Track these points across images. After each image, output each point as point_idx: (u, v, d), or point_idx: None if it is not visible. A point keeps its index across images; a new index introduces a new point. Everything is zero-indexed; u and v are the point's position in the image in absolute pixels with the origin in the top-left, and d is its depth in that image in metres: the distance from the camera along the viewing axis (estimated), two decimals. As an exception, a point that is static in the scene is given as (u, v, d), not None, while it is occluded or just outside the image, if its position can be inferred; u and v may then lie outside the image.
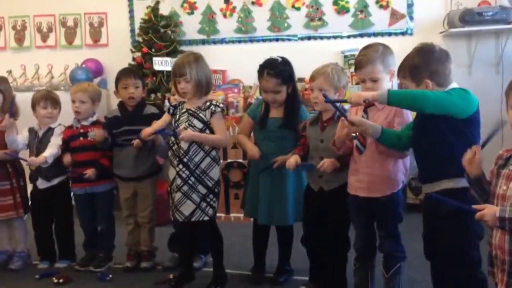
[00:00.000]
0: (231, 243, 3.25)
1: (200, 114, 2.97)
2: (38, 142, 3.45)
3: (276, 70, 2.98)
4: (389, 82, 2.57)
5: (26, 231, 3.60)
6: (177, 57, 3.20)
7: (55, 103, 3.52)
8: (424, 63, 2.23)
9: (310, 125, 2.87)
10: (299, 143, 2.92)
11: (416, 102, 2.12)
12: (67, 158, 3.39)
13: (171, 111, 3.07)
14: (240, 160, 4.38)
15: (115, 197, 3.59)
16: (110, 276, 3.28)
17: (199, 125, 2.97)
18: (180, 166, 2.95)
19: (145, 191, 3.41)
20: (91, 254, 3.48)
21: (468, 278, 2.20)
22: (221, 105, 3.04)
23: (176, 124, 3.00)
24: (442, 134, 2.18)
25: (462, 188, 2.14)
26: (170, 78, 3.52)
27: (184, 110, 3.01)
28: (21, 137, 3.47)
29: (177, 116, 3.03)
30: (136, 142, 3.21)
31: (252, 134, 3.23)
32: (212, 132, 2.98)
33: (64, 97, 3.66)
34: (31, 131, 3.50)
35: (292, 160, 2.79)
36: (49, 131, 3.47)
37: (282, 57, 3.06)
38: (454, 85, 2.24)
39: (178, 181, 2.95)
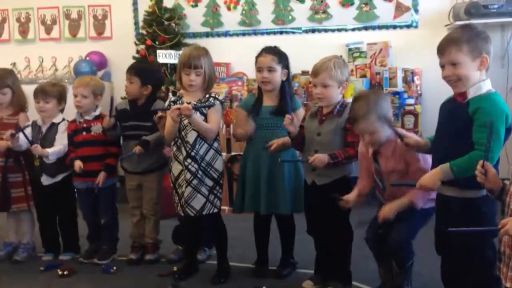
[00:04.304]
0: (234, 236, 3.26)
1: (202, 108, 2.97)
2: (42, 139, 3.43)
3: (274, 49, 3.07)
4: (389, 130, 2.49)
5: (33, 223, 3.62)
6: (187, 49, 3.15)
7: (47, 96, 3.42)
8: (482, 37, 2.16)
9: (309, 117, 2.87)
10: (299, 132, 2.92)
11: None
12: (78, 164, 3.33)
13: (171, 106, 3.02)
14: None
15: (118, 190, 3.60)
16: (114, 268, 3.29)
17: (201, 118, 2.96)
18: (189, 160, 2.95)
19: (150, 184, 3.41)
20: (95, 246, 3.49)
21: (482, 276, 2.18)
22: (220, 98, 3.04)
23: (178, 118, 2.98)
24: (462, 148, 2.13)
25: (464, 198, 2.15)
26: (175, 70, 3.49)
27: (186, 104, 2.99)
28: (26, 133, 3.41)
29: None
30: (138, 149, 3.22)
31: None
32: None
33: (68, 90, 3.61)
34: (34, 125, 3.47)
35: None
36: (53, 127, 3.45)
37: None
38: (489, 84, 2.17)
39: (188, 175, 2.95)
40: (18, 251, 3.55)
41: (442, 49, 2.20)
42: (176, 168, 3.02)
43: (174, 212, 3.23)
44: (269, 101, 3.07)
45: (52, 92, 3.46)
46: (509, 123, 2.11)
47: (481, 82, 2.16)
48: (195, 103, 2.97)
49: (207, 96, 2.99)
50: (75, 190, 3.53)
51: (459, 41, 2.15)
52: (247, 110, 3.13)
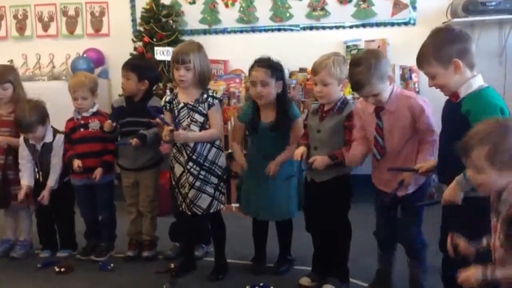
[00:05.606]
0: (232, 233, 3.25)
1: (200, 108, 2.94)
2: (39, 157, 3.42)
3: (266, 62, 2.98)
4: (390, 86, 2.48)
5: (31, 221, 3.62)
6: (179, 45, 3.14)
7: (31, 130, 3.33)
8: (449, 41, 2.12)
9: (311, 114, 2.87)
10: (303, 133, 2.92)
11: None
12: (77, 162, 3.32)
13: (167, 107, 3.02)
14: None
15: (116, 188, 3.60)
16: (112, 265, 3.29)
17: (200, 118, 2.94)
18: (190, 163, 2.95)
19: (146, 181, 3.41)
20: (93, 244, 3.49)
21: None
22: (218, 95, 3.00)
23: (177, 120, 2.96)
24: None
25: (471, 197, 2.11)
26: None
27: (182, 104, 2.96)
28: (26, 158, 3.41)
29: (176, 112, 2.98)
30: (134, 141, 3.21)
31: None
32: None
33: (65, 87, 3.55)
34: (29, 145, 3.42)
35: (299, 151, 2.77)
36: (46, 145, 3.42)
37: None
38: (479, 79, 2.15)
39: (190, 178, 2.95)
40: (16, 248, 3.55)
41: (417, 64, 2.23)
42: (177, 169, 3.02)
43: (171, 209, 3.24)
44: (266, 115, 3.02)
45: (33, 126, 3.33)
46: (506, 115, 2.07)
47: (471, 80, 2.14)
48: (192, 103, 2.94)
49: (205, 96, 2.96)
50: (73, 187, 3.52)
51: (426, 55, 2.17)
52: (245, 121, 3.11)
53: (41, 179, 3.43)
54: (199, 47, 2.98)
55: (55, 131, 3.47)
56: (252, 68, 3.00)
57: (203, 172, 2.96)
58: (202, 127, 2.95)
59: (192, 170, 2.95)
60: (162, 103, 3.06)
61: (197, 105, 2.94)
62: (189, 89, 2.97)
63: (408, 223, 2.54)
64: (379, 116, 2.52)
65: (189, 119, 2.94)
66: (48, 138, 3.43)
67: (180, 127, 2.92)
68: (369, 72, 2.39)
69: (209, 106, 2.94)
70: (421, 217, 2.58)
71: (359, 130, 2.65)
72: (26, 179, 3.41)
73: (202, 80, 2.97)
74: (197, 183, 2.95)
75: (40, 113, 3.38)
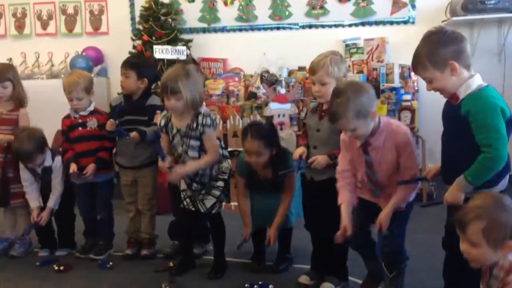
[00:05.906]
0: (231, 232, 3.25)
1: (192, 133, 2.92)
2: (40, 180, 3.43)
3: (260, 132, 2.97)
4: (373, 121, 2.37)
5: (29, 219, 3.60)
6: (167, 72, 2.99)
7: (30, 160, 3.32)
8: (442, 43, 2.09)
9: (310, 113, 2.87)
10: (303, 132, 2.92)
11: (490, 170, 2.01)
12: (73, 167, 3.32)
13: (163, 130, 3.01)
14: (241, 149, 4.35)
15: (115, 186, 3.60)
16: (111, 263, 3.28)
17: (196, 143, 2.93)
18: (195, 185, 3.00)
19: (145, 179, 3.40)
20: (92, 242, 3.49)
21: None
22: (209, 120, 2.90)
23: (172, 145, 2.98)
24: (462, 148, 2.10)
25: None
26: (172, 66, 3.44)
27: (175, 130, 2.95)
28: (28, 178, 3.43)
29: (170, 136, 2.98)
30: (133, 134, 3.20)
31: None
32: None
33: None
34: (29, 168, 3.41)
35: (298, 151, 2.79)
36: (47, 168, 3.42)
37: (267, 122, 3.12)
38: (478, 79, 2.12)
39: (195, 194, 3.02)
40: (15, 246, 3.55)
41: (414, 69, 2.22)
42: (182, 182, 3.06)
43: (170, 207, 3.23)
44: (263, 174, 3.06)
45: (30, 157, 3.33)
46: (507, 115, 2.05)
47: (469, 80, 2.11)
48: (184, 129, 2.91)
49: (195, 124, 2.89)
50: (72, 187, 3.51)
51: (421, 60, 2.14)
52: (244, 176, 3.13)
53: (41, 204, 3.44)
54: (187, 74, 2.88)
55: (54, 153, 3.45)
56: (246, 136, 3.00)
57: (207, 183, 3.02)
58: (200, 150, 2.94)
59: (195, 188, 3.01)
60: (158, 125, 3.05)
61: (190, 132, 2.91)
62: (182, 114, 2.93)
63: (394, 235, 2.48)
64: (366, 151, 2.44)
65: (184, 145, 2.93)
66: (48, 162, 3.41)
67: (176, 152, 2.95)
68: (345, 106, 2.28)
69: (201, 134, 2.92)
70: (405, 231, 2.54)
71: (345, 161, 2.56)
72: (35, 201, 3.42)
73: (195, 105, 2.91)
74: (203, 191, 3.02)
75: (38, 141, 3.33)
